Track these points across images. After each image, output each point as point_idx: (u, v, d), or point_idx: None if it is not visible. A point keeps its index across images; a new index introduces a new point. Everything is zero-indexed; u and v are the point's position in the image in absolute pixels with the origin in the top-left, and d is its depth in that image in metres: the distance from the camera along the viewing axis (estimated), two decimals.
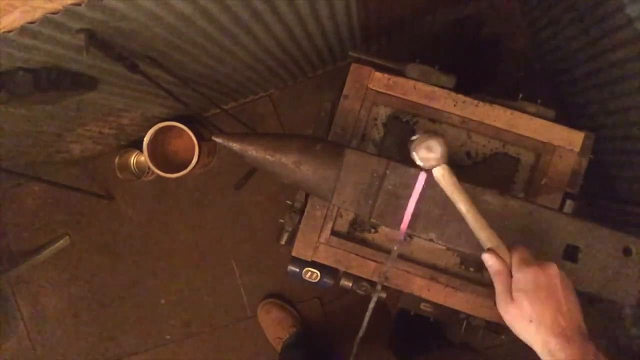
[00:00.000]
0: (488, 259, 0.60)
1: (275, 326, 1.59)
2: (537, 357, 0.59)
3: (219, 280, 1.69)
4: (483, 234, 0.63)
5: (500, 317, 0.88)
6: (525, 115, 0.88)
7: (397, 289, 0.91)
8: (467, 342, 1.16)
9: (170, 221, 1.70)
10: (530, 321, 0.56)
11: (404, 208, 0.71)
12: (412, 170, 0.71)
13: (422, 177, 0.68)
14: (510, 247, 0.62)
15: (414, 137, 0.69)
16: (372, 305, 0.74)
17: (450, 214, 0.70)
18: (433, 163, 0.67)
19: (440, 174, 0.67)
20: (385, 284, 0.90)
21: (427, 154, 0.66)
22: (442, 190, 0.69)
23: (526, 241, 0.70)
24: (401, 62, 0.91)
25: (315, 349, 1.53)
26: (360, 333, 0.76)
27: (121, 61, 0.84)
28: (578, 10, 1.14)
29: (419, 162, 0.68)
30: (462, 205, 0.65)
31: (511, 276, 0.59)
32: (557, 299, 0.56)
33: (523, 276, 0.57)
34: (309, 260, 0.90)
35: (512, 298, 0.58)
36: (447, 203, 0.70)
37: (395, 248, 0.76)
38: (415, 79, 0.89)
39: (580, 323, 0.57)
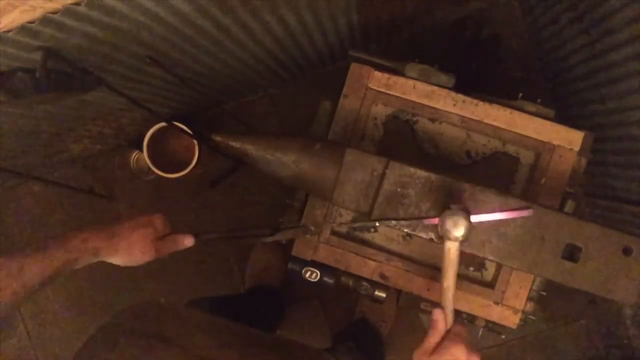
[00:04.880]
0: (438, 314, 0.64)
1: (263, 266, 1.56)
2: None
3: (218, 280, 1.69)
4: (447, 309, 0.66)
5: (500, 317, 0.88)
6: (525, 115, 0.88)
7: (396, 288, 0.91)
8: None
9: (170, 221, 1.70)
10: None
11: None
12: (412, 170, 0.71)
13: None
14: (456, 323, 0.66)
15: (453, 206, 0.68)
16: None
17: None
18: (451, 238, 0.65)
19: (449, 248, 0.66)
20: (386, 283, 0.90)
21: (452, 227, 0.65)
22: (442, 192, 0.70)
23: (526, 241, 0.70)
24: (401, 62, 0.91)
25: (272, 307, 1.51)
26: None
27: (86, 76, 0.85)
28: (578, 10, 1.14)
29: (440, 230, 0.66)
30: (449, 281, 0.66)
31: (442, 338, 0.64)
32: None
33: (451, 346, 0.62)
34: (309, 259, 0.91)
35: (430, 354, 0.62)
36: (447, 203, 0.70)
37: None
38: (414, 79, 0.89)
39: None
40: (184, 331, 0.65)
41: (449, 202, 0.69)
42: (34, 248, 0.64)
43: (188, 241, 0.81)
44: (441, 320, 0.64)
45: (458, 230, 0.64)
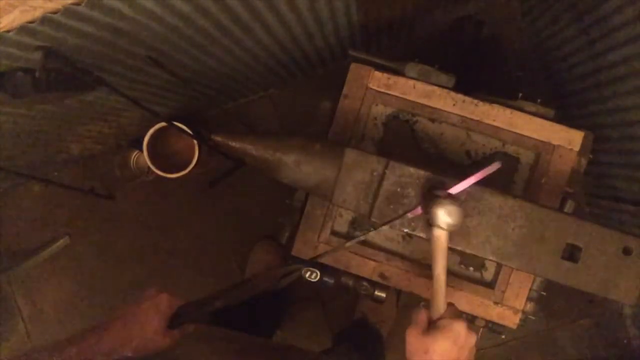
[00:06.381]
0: (419, 313, 0.65)
1: (263, 266, 1.56)
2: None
3: (219, 280, 1.69)
4: (439, 299, 0.66)
5: (500, 317, 0.88)
6: (524, 115, 0.88)
7: (396, 288, 0.91)
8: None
9: (170, 221, 1.70)
10: (426, 353, 0.61)
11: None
12: (412, 170, 0.71)
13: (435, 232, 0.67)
14: (449, 304, 0.66)
15: (439, 193, 0.67)
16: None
17: None
18: (442, 226, 0.65)
19: (438, 236, 0.65)
20: (385, 283, 0.90)
21: (445, 217, 0.64)
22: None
23: (526, 241, 0.70)
24: (401, 62, 0.91)
25: (272, 307, 1.51)
26: None
27: (86, 76, 0.84)
28: (578, 10, 1.14)
29: (430, 217, 0.65)
30: (439, 269, 0.66)
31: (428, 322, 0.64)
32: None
33: (452, 322, 0.61)
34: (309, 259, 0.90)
35: (427, 329, 0.62)
36: None
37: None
38: (414, 79, 0.89)
39: None
40: (180, 340, 0.64)
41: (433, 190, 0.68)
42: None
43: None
44: (423, 314, 0.64)
45: (452, 218, 0.63)
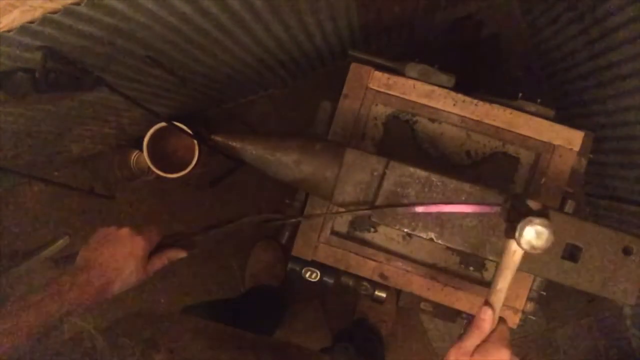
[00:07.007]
0: (487, 313, 0.60)
1: (263, 266, 1.57)
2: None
3: (219, 280, 1.69)
4: (496, 311, 0.62)
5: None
6: (524, 115, 0.88)
7: (396, 288, 0.91)
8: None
9: (170, 221, 1.70)
10: None
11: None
12: (412, 170, 0.71)
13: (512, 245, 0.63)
14: (501, 320, 0.63)
15: (535, 219, 0.61)
16: None
17: (449, 212, 0.70)
18: (525, 247, 0.60)
19: (515, 250, 0.62)
20: (385, 283, 0.90)
21: (534, 237, 0.60)
22: (442, 192, 0.70)
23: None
24: (401, 62, 0.91)
25: (272, 307, 1.52)
26: None
27: (86, 76, 0.85)
28: (578, 10, 1.14)
29: (517, 235, 0.60)
30: (504, 283, 0.62)
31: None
32: None
33: (496, 350, 0.58)
34: (309, 259, 0.91)
35: (472, 354, 0.59)
36: (447, 202, 0.70)
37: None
38: (414, 79, 0.89)
39: None
40: (175, 336, 0.65)
41: (524, 203, 0.64)
42: (26, 304, 0.63)
43: (181, 254, 0.80)
44: (488, 321, 0.60)
45: (540, 241, 0.59)
